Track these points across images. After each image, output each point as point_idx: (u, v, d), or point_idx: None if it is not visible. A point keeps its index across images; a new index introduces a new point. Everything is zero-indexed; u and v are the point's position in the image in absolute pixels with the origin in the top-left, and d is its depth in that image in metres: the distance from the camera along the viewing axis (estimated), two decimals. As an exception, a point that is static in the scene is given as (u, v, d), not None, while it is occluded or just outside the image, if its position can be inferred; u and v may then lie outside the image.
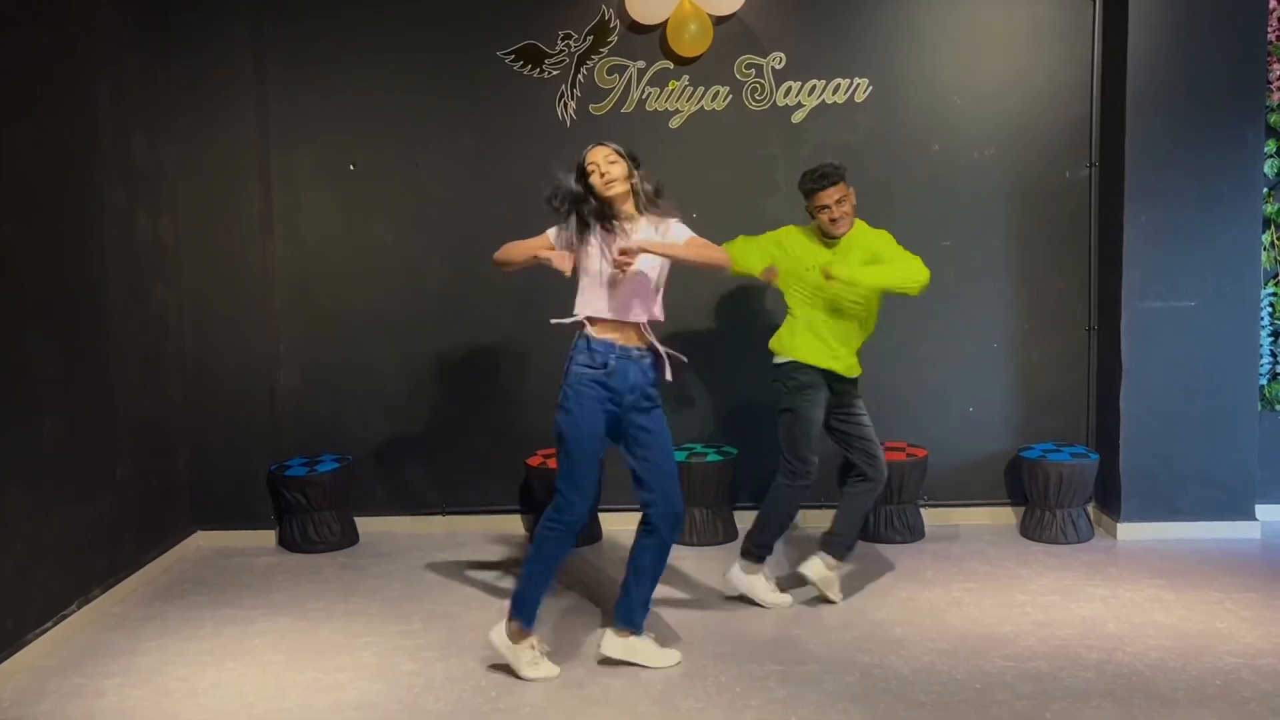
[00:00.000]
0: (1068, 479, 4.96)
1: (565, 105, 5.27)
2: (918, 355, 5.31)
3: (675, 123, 5.27)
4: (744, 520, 5.28)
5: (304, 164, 5.35)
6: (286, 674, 3.72)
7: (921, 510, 5.21)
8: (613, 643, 3.70)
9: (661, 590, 4.22)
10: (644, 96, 5.25)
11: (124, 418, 4.64)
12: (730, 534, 5.18)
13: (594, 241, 3.58)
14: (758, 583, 4.29)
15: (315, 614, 4.31)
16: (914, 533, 5.10)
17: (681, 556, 4.81)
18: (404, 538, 5.34)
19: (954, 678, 3.56)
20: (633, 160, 3.64)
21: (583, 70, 5.23)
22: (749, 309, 5.27)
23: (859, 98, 5.22)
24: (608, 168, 3.57)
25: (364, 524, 5.41)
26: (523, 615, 3.63)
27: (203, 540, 5.29)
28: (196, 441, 5.22)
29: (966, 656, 3.73)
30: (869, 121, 5.24)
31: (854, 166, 5.14)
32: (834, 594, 4.27)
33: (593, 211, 3.57)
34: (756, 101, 5.25)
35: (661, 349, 3.64)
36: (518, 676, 3.60)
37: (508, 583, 4.55)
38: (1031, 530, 5.10)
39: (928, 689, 3.48)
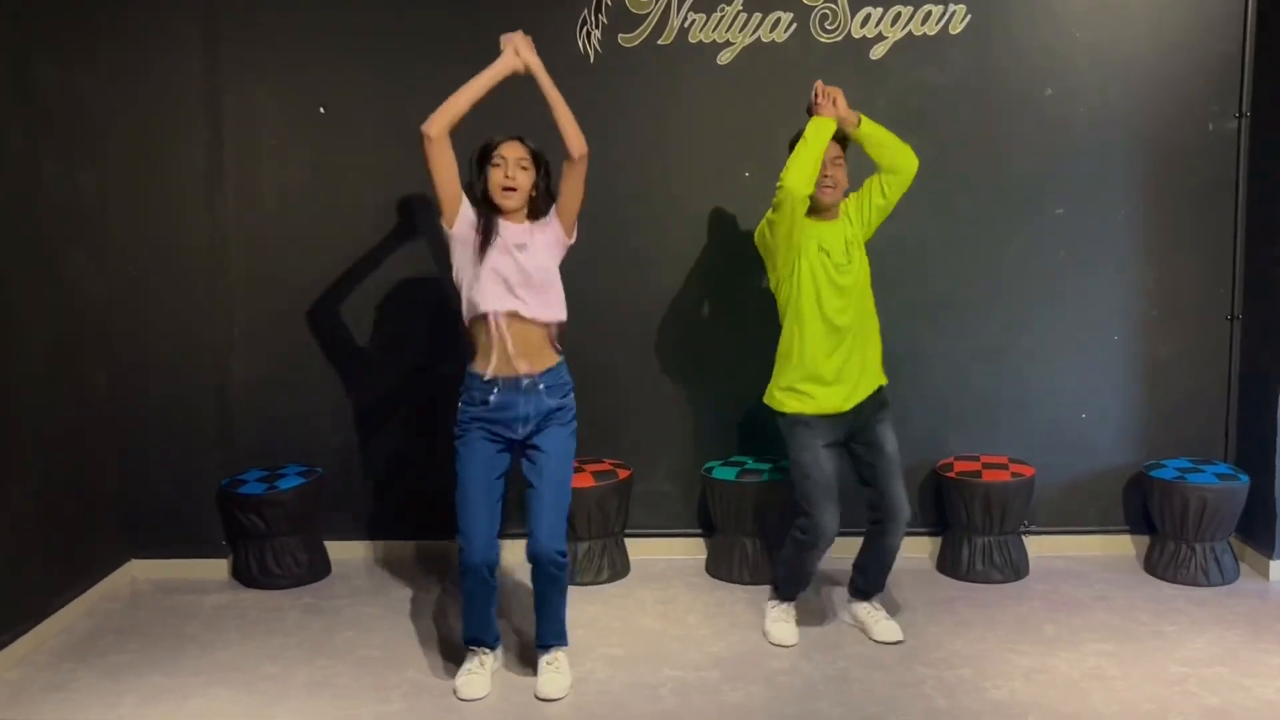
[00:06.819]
0: (1213, 506, 4.00)
1: (588, 34, 4.27)
2: (1018, 349, 4.36)
3: (725, 57, 4.27)
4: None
5: (263, 103, 4.34)
6: (221, 787, 2.76)
7: (1024, 540, 4.27)
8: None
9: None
10: (686, 25, 4.25)
11: (23, 424, 3.65)
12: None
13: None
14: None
15: (268, 686, 3.34)
16: (1018, 571, 4.15)
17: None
18: (387, 569, 4.38)
19: (1132, 806, 2.61)
20: (544, 168, 3.27)
21: (611, -10, 4.25)
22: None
23: (954, 29, 4.24)
24: (515, 172, 3.18)
25: (337, 550, 4.44)
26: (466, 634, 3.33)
27: (139, 571, 4.32)
28: (129, 451, 4.24)
29: (1136, 766, 2.79)
30: (965, 59, 4.27)
31: (945, 115, 4.27)
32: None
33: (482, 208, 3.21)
34: (827, 32, 4.25)
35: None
36: None
37: (511, 637, 3.61)
38: (1162, 567, 4.14)
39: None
